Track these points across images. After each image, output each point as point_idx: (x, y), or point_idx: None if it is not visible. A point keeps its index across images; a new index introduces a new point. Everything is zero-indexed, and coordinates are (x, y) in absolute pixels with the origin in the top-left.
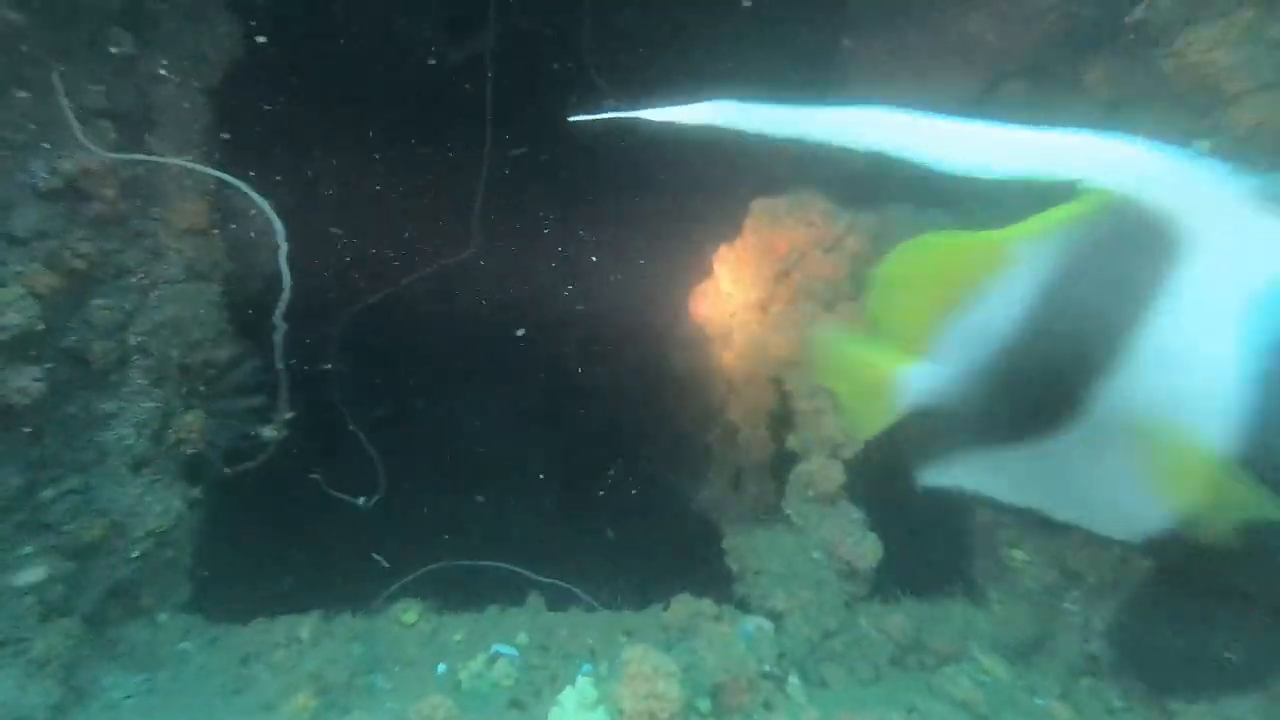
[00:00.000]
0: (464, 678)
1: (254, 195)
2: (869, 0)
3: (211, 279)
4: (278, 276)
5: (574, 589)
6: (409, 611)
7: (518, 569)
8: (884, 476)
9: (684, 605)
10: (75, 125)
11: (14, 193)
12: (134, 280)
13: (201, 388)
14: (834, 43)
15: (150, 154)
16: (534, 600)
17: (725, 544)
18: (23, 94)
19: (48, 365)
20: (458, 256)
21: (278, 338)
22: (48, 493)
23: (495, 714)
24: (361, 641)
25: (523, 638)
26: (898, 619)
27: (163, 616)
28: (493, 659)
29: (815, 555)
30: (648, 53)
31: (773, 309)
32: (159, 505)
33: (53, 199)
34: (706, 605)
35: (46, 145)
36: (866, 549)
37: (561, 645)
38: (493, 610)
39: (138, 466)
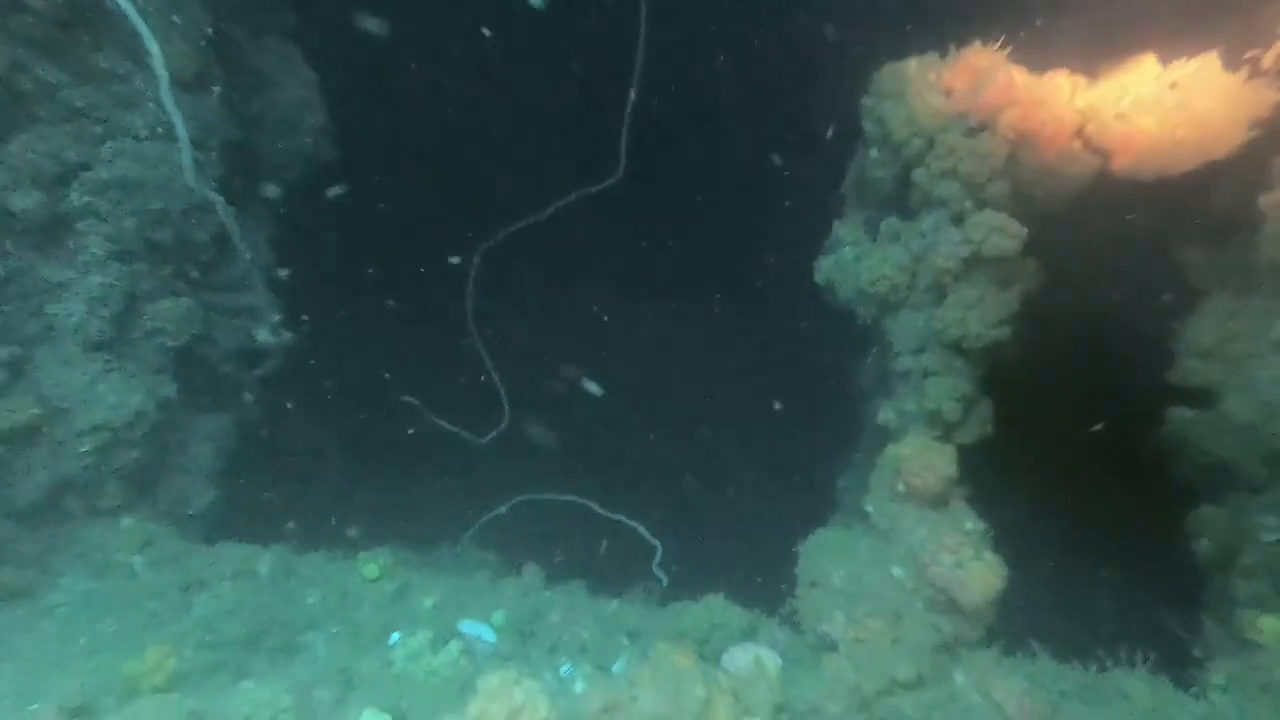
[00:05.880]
0: (399, 658)
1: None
2: None
3: (206, 145)
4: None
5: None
6: (371, 564)
7: (587, 503)
8: (1028, 469)
9: (707, 611)
10: None
11: None
12: (87, 127)
13: (194, 273)
14: None
15: None
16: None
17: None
18: None
19: None
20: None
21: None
22: None
23: None
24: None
25: (499, 617)
26: (1017, 685)
27: (127, 521)
28: (443, 641)
29: (896, 572)
30: None
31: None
32: (114, 397)
33: None
34: (735, 615)
35: None
36: (977, 575)
37: (550, 633)
38: (481, 577)
39: (90, 349)
